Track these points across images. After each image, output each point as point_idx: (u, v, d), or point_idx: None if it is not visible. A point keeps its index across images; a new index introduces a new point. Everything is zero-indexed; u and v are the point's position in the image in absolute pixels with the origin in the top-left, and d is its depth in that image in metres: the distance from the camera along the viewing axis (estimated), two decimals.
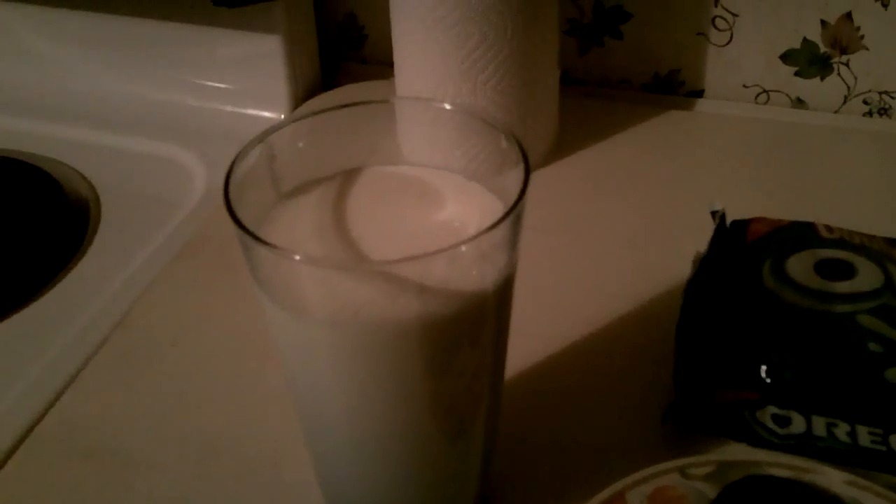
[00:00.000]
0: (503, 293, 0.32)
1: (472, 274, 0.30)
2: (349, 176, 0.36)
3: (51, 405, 0.47)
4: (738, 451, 0.42)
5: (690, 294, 0.46)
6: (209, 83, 0.74)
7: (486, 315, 0.32)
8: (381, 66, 0.73)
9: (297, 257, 0.28)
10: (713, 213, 0.51)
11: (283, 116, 0.70)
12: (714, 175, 0.62)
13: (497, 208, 0.34)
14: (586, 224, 0.58)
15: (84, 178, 0.68)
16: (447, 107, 0.35)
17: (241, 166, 0.32)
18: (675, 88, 0.72)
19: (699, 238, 0.49)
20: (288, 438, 0.42)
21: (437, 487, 0.37)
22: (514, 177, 0.32)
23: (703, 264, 0.47)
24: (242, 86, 0.73)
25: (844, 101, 0.69)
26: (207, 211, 0.61)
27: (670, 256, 0.52)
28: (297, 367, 0.33)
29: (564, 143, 0.65)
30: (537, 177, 0.62)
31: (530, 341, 0.48)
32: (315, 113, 0.34)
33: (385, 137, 0.36)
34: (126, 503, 0.42)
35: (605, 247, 0.56)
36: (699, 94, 0.72)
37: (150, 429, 0.45)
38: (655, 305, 0.50)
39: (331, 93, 0.74)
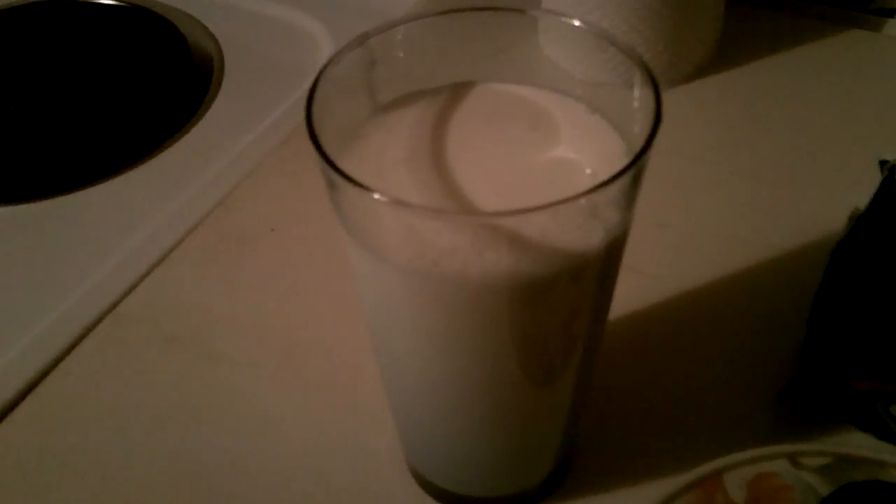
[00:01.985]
0: (611, 255, 0.28)
1: (577, 231, 0.26)
2: (457, 91, 0.31)
3: (140, 281, 0.46)
4: (860, 445, 0.37)
5: (838, 257, 0.40)
6: None
7: (587, 279, 0.27)
8: None
9: (376, 196, 0.24)
10: (882, 164, 0.44)
11: None
12: (893, 115, 0.54)
13: (618, 151, 0.29)
14: (731, 153, 0.52)
15: (210, 34, 0.66)
16: (576, 24, 0.29)
17: (333, 71, 0.28)
18: (863, 3, 0.63)
19: (862, 190, 0.43)
20: (370, 355, 0.40)
21: (515, 440, 0.34)
22: (644, 117, 0.27)
23: (860, 224, 0.41)
24: None
25: None
26: None
27: (824, 206, 0.46)
28: (371, 302, 0.30)
29: (723, 57, 0.58)
30: (686, 91, 0.57)
31: (644, 280, 0.44)
32: (419, 17, 0.30)
33: (505, 51, 0.31)
34: (201, 395, 0.41)
35: (748, 183, 0.49)
36: (891, 13, 0.62)
37: (237, 319, 0.44)
38: (795, 262, 0.44)
39: None
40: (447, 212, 0.23)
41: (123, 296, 0.45)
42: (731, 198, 0.49)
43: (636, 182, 0.26)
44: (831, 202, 0.44)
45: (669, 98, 0.52)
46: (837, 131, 0.52)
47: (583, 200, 0.24)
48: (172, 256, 0.47)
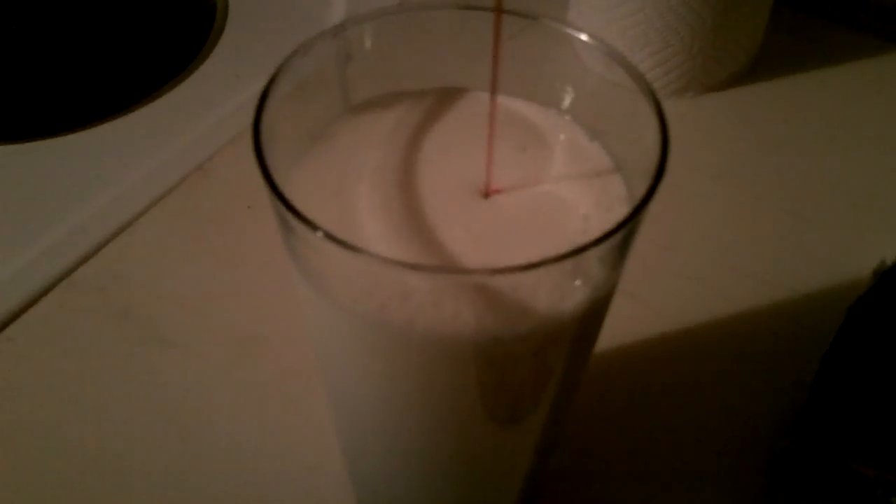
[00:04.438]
0: (593, 315, 0.24)
1: (554, 289, 0.22)
2: (442, 97, 0.27)
3: (100, 247, 0.42)
4: None
5: (856, 316, 0.36)
6: None
7: (561, 342, 0.24)
8: None
9: (320, 234, 0.20)
10: None
11: None
12: None
13: (617, 191, 0.25)
14: (756, 175, 0.47)
15: None
16: (583, 38, 0.25)
17: (300, 65, 0.25)
18: None
19: (894, 240, 0.39)
20: None
21: (468, 491, 0.30)
22: (648, 161, 0.23)
23: (884, 282, 0.37)
24: None
25: None
26: None
27: (851, 252, 0.42)
28: (314, 334, 0.26)
29: (763, 66, 0.53)
30: (717, 100, 0.52)
31: (639, 310, 0.40)
32: (405, 11, 0.26)
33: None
34: (142, 380, 0.37)
35: (770, 212, 0.45)
36: None
37: (195, 303, 0.40)
38: (810, 312, 0.40)
39: None
40: (393, 261, 0.20)
41: (81, 262, 0.42)
42: (749, 226, 0.45)
43: (630, 238, 0.23)
44: (860, 248, 0.40)
45: (699, 105, 0.48)
46: (878, 166, 0.48)
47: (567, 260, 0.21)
48: (139, 223, 0.43)
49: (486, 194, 0.25)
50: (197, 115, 0.50)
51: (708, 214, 0.45)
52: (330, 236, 0.20)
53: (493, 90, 0.23)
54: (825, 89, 0.52)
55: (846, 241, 0.43)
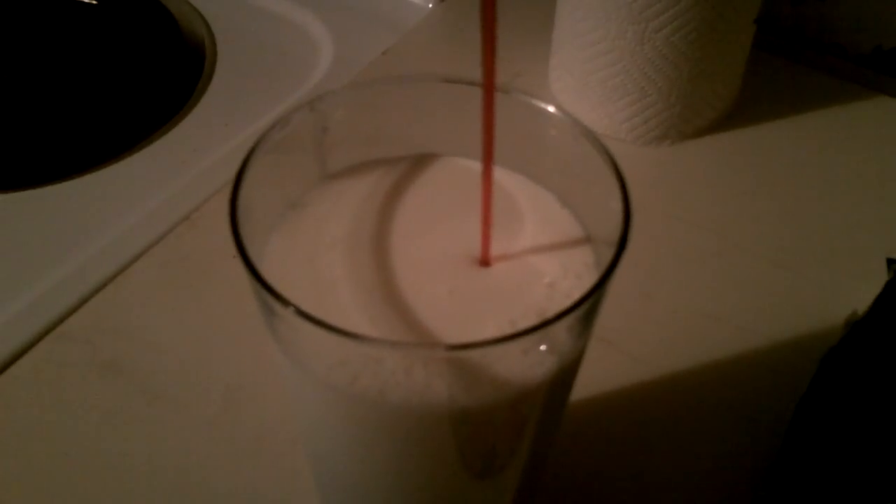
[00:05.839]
0: (561, 380, 0.25)
1: (522, 358, 0.23)
2: (416, 164, 0.28)
3: (88, 298, 0.43)
4: None
5: (828, 367, 0.37)
6: None
7: (531, 407, 0.24)
8: None
9: (291, 309, 0.21)
10: (889, 264, 0.41)
11: (430, 5, 0.61)
12: None
13: (586, 258, 0.26)
14: (734, 222, 0.48)
15: (204, 21, 0.62)
16: (551, 110, 0.26)
17: (277, 138, 0.26)
18: None
19: (870, 285, 0.39)
20: None
21: None
22: (614, 229, 0.24)
23: (857, 332, 0.38)
24: None
25: None
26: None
27: (826, 299, 0.42)
28: (292, 401, 0.27)
29: (740, 113, 0.54)
30: (695, 147, 0.53)
31: (618, 358, 0.41)
32: (378, 83, 0.26)
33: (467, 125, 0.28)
34: (126, 434, 0.38)
35: (748, 259, 0.46)
36: None
37: (180, 353, 0.41)
38: (785, 360, 0.41)
39: None
40: (359, 336, 0.20)
41: (68, 314, 0.42)
42: (727, 274, 0.45)
43: (596, 306, 0.23)
44: (835, 295, 0.41)
45: (677, 153, 0.49)
46: (853, 212, 0.49)
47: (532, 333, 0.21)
48: (126, 274, 0.44)
49: (484, 263, 0.25)
50: (185, 164, 0.51)
51: (685, 261, 0.46)
52: (301, 312, 0.21)
53: (487, 173, 0.24)
54: (803, 136, 0.53)
55: (823, 287, 0.44)
